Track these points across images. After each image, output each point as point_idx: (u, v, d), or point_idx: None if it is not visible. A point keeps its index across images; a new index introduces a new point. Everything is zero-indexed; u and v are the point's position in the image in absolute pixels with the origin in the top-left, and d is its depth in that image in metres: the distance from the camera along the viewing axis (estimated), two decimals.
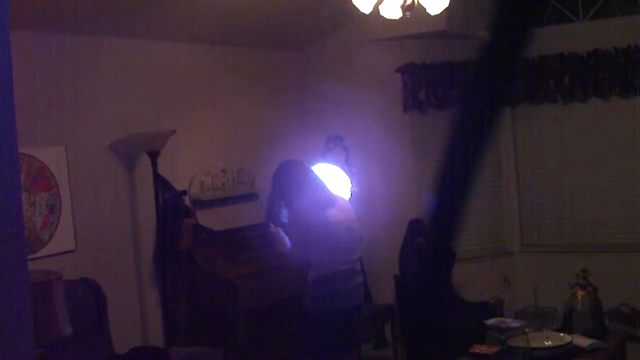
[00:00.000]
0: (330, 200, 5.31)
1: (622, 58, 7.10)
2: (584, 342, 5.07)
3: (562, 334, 5.13)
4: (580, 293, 5.42)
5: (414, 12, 5.16)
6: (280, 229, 5.81)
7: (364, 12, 5.25)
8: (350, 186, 7.10)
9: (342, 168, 7.17)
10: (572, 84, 7.36)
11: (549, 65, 7.43)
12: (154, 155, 6.11)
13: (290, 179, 5.34)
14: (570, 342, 4.99)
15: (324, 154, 7.46)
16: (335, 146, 7.57)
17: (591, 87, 7.28)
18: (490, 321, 5.39)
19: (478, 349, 5.11)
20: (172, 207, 6.34)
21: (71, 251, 5.71)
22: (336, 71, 7.78)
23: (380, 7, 5.21)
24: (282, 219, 6.26)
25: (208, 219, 6.68)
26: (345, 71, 7.74)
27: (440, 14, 5.33)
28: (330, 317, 5.13)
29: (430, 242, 1.00)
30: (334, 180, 6.61)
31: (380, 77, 7.62)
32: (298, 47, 7.88)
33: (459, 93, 7.52)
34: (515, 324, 5.29)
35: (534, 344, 4.90)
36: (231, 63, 7.19)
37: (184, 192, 6.50)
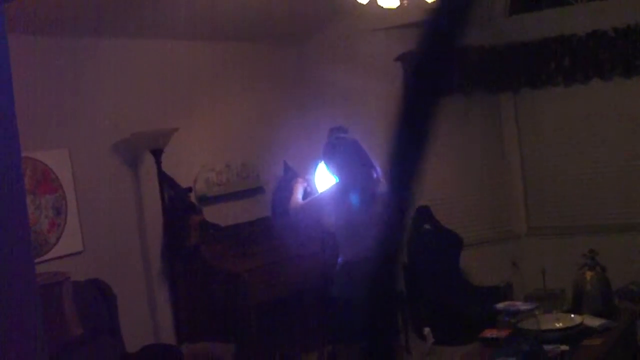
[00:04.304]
0: (374, 184, 5.30)
1: (621, 38, 7.08)
2: (594, 322, 5.07)
3: (572, 315, 5.13)
4: (589, 274, 5.42)
5: (411, 0, 5.16)
6: (306, 183, 5.76)
7: (361, 2, 5.25)
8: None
9: None
10: (573, 66, 7.35)
11: (549, 48, 7.42)
12: (157, 154, 6.12)
13: (345, 155, 5.31)
14: (581, 323, 4.98)
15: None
16: (338, 135, 7.55)
17: (592, 68, 7.27)
18: (500, 305, 5.39)
19: (489, 333, 5.11)
20: (178, 204, 6.35)
21: (79, 252, 5.72)
22: (337, 62, 7.77)
23: None
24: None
25: (214, 214, 6.69)
26: (346, 62, 7.73)
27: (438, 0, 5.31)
28: (359, 303, 5.13)
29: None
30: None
31: (380, 67, 7.61)
32: (298, 40, 7.88)
33: (460, 80, 7.52)
34: (525, 306, 5.29)
35: (545, 326, 4.90)
36: (231, 58, 7.19)
37: (189, 189, 6.51)
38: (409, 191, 0.97)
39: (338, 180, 5.33)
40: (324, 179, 5.73)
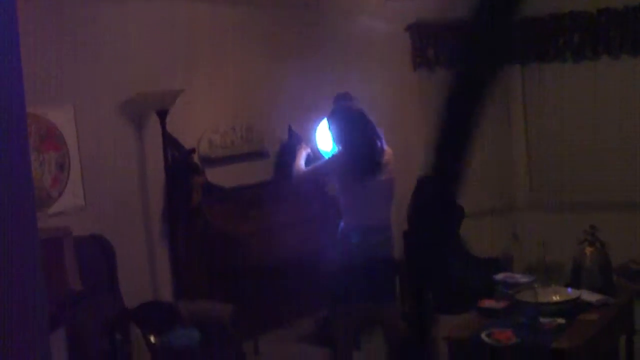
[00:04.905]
0: (379, 154, 5.33)
1: (632, 16, 7.05)
2: (592, 297, 5.09)
3: (570, 289, 5.15)
4: (588, 249, 5.43)
5: None
6: (309, 149, 5.81)
7: None
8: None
9: None
10: (582, 42, 7.33)
11: (559, 24, 7.40)
12: (162, 114, 6.11)
13: (351, 124, 5.34)
14: (578, 297, 5.00)
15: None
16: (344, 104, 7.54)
17: (601, 45, 7.24)
18: (499, 276, 5.41)
19: (487, 303, 5.14)
20: (181, 165, 6.36)
21: (80, 208, 5.73)
22: (345, 29, 7.73)
23: None
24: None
25: (217, 176, 6.70)
26: (354, 29, 7.70)
27: None
28: (358, 268, 5.17)
29: (434, 195, 1.01)
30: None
31: (389, 36, 7.58)
32: (307, 5, 7.83)
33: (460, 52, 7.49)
34: (523, 279, 5.31)
35: (542, 299, 4.91)
36: (239, 21, 7.16)
37: (193, 150, 6.50)
38: (458, 175, 0.97)
39: (341, 148, 5.35)
40: (327, 145, 5.74)
